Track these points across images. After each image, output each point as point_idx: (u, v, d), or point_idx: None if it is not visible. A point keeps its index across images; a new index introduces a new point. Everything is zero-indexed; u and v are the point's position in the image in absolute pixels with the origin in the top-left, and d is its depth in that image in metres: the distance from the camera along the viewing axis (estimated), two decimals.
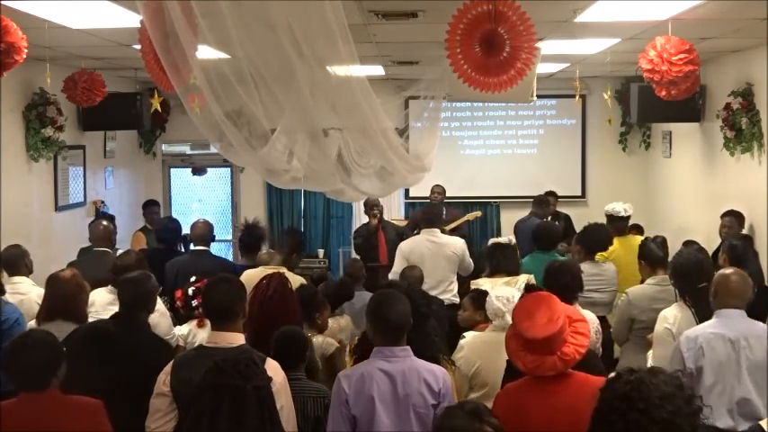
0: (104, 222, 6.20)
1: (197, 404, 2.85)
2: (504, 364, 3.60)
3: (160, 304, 4.76)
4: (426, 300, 3.88)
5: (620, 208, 6.47)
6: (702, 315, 4.21)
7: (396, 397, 3.14)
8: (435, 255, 6.23)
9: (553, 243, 6.19)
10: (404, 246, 6.42)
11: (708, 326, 3.90)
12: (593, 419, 2.13)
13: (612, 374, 2.30)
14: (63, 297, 4.18)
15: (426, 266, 5.99)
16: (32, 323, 4.42)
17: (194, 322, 4.77)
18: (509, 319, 4.01)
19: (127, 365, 3.58)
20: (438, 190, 8.66)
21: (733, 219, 6.55)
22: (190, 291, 4.79)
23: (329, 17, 3.22)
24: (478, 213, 8.79)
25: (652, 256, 5.03)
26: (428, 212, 6.74)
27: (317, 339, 4.49)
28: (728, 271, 3.95)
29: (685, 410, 2.05)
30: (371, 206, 7.94)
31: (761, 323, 3.98)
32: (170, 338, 4.67)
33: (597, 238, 5.87)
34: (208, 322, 4.43)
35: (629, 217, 6.54)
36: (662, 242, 5.14)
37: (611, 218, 6.50)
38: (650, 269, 5.02)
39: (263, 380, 2.90)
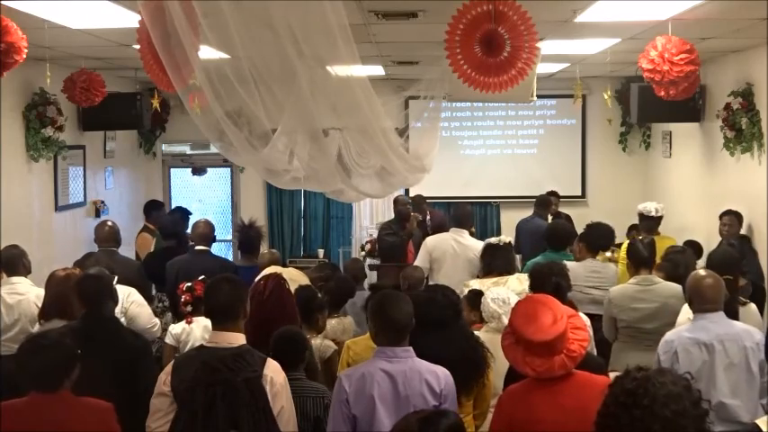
0: (109, 223, 6.20)
1: (190, 402, 2.87)
2: (499, 365, 3.62)
3: (138, 296, 4.82)
4: (456, 296, 3.86)
5: (651, 207, 6.41)
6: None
7: (396, 397, 3.14)
8: (458, 255, 6.21)
9: (565, 243, 6.14)
10: (429, 241, 6.42)
11: (685, 329, 3.95)
12: (599, 414, 2.14)
13: (615, 373, 2.31)
14: (58, 296, 4.19)
15: (446, 264, 5.99)
16: (33, 324, 4.44)
17: (184, 321, 4.82)
18: (505, 321, 4.02)
19: (104, 361, 3.58)
20: (404, 202, 8.10)
21: (733, 217, 6.57)
22: (183, 297, 4.82)
23: (330, 17, 3.22)
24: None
25: (636, 256, 5.02)
26: (457, 213, 6.68)
27: (316, 341, 4.49)
28: (702, 273, 3.98)
29: (691, 413, 2.05)
30: (405, 203, 7.89)
31: (739, 323, 4.03)
32: (150, 327, 4.82)
33: (600, 237, 5.87)
34: (195, 319, 4.59)
35: (660, 217, 6.45)
36: (650, 243, 5.14)
37: (642, 216, 6.46)
38: (634, 269, 5.03)
39: (252, 372, 2.92)
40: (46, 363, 3.01)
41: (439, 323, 3.55)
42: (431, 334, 3.47)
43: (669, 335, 3.96)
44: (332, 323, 5.04)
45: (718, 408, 3.76)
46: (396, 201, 8.00)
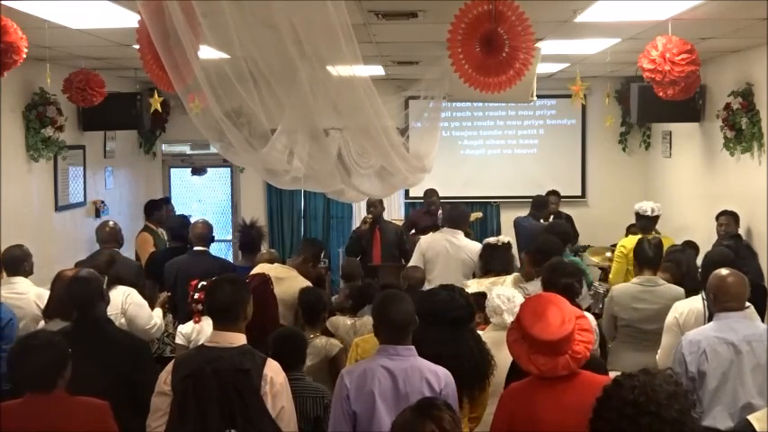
0: (111, 224, 6.22)
1: (183, 395, 2.89)
2: (503, 362, 3.61)
3: (137, 297, 4.82)
4: (467, 300, 3.84)
5: (647, 207, 6.43)
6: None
7: (396, 394, 3.14)
8: (451, 256, 6.18)
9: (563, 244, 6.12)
10: (422, 242, 6.41)
11: (710, 329, 3.86)
12: (598, 429, 2.14)
13: (615, 373, 2.31)
14: (62, 297, 4.19)
15: (439, 265, 5.97)
16: (37, 322, 4.44)
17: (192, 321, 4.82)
18: (507, 318, 4.02)
19: (98, 362, 3.60)
20: (434, 201, 8.24)
21: (729, 217, 6.56)
22: (196, 295, 4.81)
23: (332, 17, 3.22)
24: (479, 215, 8.75)
25: (642, 256, 5.02)
26: (452, 213, 6.61)
27: (320, 340, 4.49)
28: (725, 272, 3.90)
29: (688, 407, 2.07)
30: (368, 206, 7.90)
31: (762, 324, 3.97)
32: (149, 328, 4.83)
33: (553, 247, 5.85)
34: (203, 317, 4.56)
35: (657, 217, 6.48)
36: (657, 244, 5.13)
37: (638, 216, 6.48)
38: (639, 268, 5.03)
39: (234, 366, 2.93)
40: (39, 363, 3.01)
41: (455, 322, 3.60)
42: (445, 332, 3.54)
43: (694, 335, 3.86)
44: (343, 323, 5.04)
45: (746, 408, 3.70)
46: (366, 202, 7.90)
